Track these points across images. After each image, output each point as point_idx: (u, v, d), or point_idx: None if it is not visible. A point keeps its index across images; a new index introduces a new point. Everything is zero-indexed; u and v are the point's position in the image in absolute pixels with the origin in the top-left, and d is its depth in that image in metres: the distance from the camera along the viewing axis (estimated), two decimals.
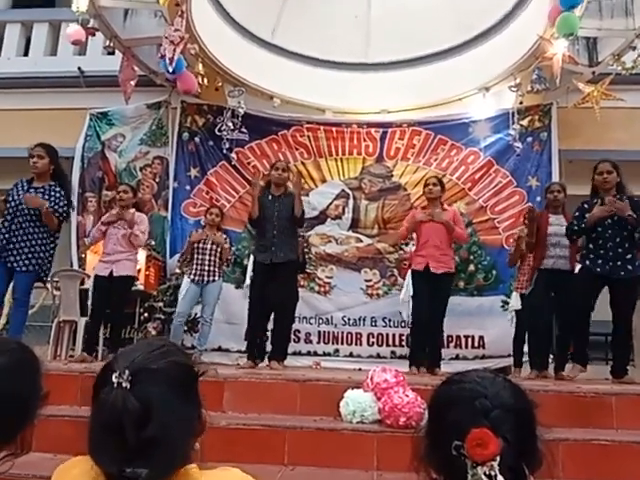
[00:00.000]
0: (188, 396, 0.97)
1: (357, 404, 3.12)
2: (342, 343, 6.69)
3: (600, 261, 4.29)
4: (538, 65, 6.33)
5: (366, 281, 6.83)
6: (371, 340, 6.67)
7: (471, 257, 6.70)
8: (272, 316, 4.93)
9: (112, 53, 6.93)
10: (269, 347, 4.94)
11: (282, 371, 4.37)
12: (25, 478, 2.36)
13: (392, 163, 7.14)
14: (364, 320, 6.71)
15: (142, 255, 6.03)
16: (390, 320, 6.63)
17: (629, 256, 4.26)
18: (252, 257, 5.32)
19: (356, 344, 6.68)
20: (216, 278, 5.45)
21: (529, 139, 6.88)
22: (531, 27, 6.22)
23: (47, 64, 7.87)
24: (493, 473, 0.88)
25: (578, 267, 4.64)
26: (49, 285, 5.49)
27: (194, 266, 5.43)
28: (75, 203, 6.82)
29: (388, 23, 6.97)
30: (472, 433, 0.89)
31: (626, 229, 4.26)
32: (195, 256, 5.44)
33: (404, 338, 6.38)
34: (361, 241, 6.98)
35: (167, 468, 0.90)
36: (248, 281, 5.74)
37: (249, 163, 7.16)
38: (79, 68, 7.61)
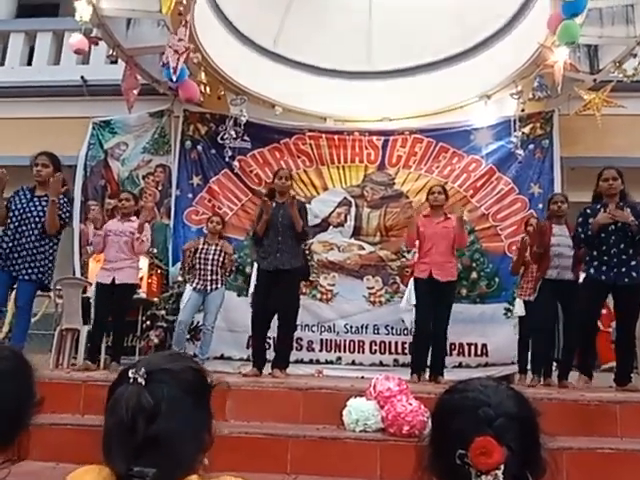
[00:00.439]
0: (200, 403, 0.99)
1: (360, 413, 3.11)
2: (344, 351, 6.68)
3: (604, 268, 4.27)
4: (539, 73, 6.34)
5: (368, 289, 6.83)
6: (373, 348, 6.66)
7: (474, 264, 6.69)
8: (274, 323, 4.92)
9: (115, 62, 6.98)
10: (269, 354, 4.92)
11: (285, 379, 4.36)
12: None
13: (394, 171, 7.15)
14: (366, 328, 6.70)
15: (145, 263, 6.04)
16: (393, 328, 6.62)
17: (633, 262, 4.25)
18: (256, 265, 5.31)
19: (358, 352, 6.66)
20: (219, 286, 5.45)
21: (531, 146, 6.89)
22: (532, 35, 6.24)
23: (50, 73, 7.92)
24: None
25: (582, 276, 4.61)
26: (52, 293, 5.50)
27: (197, 274, 5.44)
28: (78, 211, 6.87)
29: (390, 31, 7.00)
30: (476, 442, 0.89)
31: (629, 236, 4.25)
32: (197, 264, 5.44)
33: (407, 346, 6.35)
34: (363, 249, 6.97)
35: (172, 471, 0.91)
36: (252, 289, 5.74)
37: (251, 171, 7.18)
38: (82, 77, 7.65)
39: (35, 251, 4.34)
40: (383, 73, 7.47)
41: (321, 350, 6.66)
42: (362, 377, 5.31)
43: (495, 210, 6.85)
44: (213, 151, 7.20)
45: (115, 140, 7.27)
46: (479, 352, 6.50)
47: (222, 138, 7.05)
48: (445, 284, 4.90)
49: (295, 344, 5.66)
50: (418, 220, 5.23)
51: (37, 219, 4.34)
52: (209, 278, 5.41)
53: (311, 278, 6.50)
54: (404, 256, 6.71)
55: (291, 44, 7.26)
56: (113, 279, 4.87)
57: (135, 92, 6.33)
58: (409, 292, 5.87)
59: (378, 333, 6.67)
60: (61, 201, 4.41)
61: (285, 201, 4.88)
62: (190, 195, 7.13)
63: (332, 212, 7.08)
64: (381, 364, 6.51)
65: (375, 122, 7.38)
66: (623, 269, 4.23)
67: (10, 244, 4.33)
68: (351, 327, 6.71)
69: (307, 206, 5.47)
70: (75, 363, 5.35)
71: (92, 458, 0.96)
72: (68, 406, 3.04)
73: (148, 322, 6.16)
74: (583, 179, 5.05)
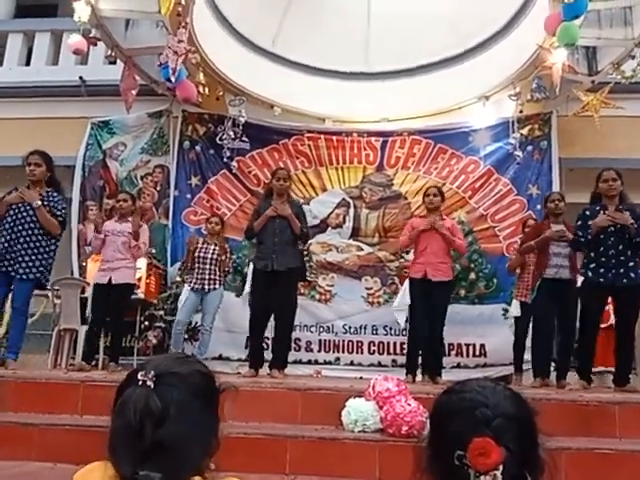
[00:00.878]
0: (208, 407, 0.98)
1: (359, 413, 3.11)
2: (343, 351, 6.68)
3: (602, 270, 4.27)
4: (538, 74, 6.35)
5: (367, 289, 6.83)
6: (372, 348, 6.66)
7: (472, 265, 6.70)
8: (270, 324, 4.91)
9: (113, 62, 6.96)
10: (267, 355, 4.92)
11: (283, 380, 4.36)
12: None
13: (392, 172, 7.15)
14: (365, 328, 6.70)
15: (143, 263, 6.03)
16: (391, 328, 6.61)
17: (631, 264, 4.25)
18: (252, 265, 5.31)
19: (357, 352, 6.66)
20: (217, 286, 5.45)
21: (529, 148, 6.90)
22: (531, 36, 6.24)
23: (49, 73, 7.90)
24: None
25: (580, 280, 4.58)
26: (50, 293, 5.50)
27: (195, 274, 5.43)
28: (76, 212, 6.87)
29: (388, 32, 7.01)
30: (474, 443, 0.89)
31: (627, 238, 4.25)
32: (196, 265, 5.44)
33: (405, 346, 6.35)
34: (362, 249, 6.98)
35: (178, 476, 0.90)
36: (247, 289, 5.74)
37: (250, 172, 7.17)
38: (81, 77, 7.64)
39: (32, 251, 4.33)
40: (382, 74, 7.48)
41: (320, 350, 6.66)
42: (360, 377, 5.32)
43: (493, 211, 6.85)
44: (212, 152, 7.20)
45: (113, 140, 7.27)
46: (477, 353, 6.50)
47: (221, 139, 7.05)
48: (439, 284, 4.91)
49: (294, 344, 5.67)
50: (413, 220, 5.24)
51: (32, 218, 4.34)
52: (207, 278, 5.41)
53: (309, 279, 6.50)
54: (402, 257, 6.71)
55: (290, 45, 7.27)
56: (110, 279, 4.87)
57: (134, 92, 6.32)
58: (403, 291, 5.86)
59: (377, 334, 6.67)
60: (51, 202, 4.40)
61: (283, 202, 4.89)
62: (188, 195, 7.13)
63: (331, 213, 7.08)
64: (379, 365, 6.52)
65: (374, 123, 7.37)
66: (621, 270, 4.23)
67: (6, 244, 4.32)
68: (350, 328, 6.71)
69: (306, 207, 5.47)
70: (73, 364, 5.34)
71: (91, 458, 0.96)
72: (66, 406, 3.03)
73: (146, 322, 6.16)
74: (581, 180, 5.05)
